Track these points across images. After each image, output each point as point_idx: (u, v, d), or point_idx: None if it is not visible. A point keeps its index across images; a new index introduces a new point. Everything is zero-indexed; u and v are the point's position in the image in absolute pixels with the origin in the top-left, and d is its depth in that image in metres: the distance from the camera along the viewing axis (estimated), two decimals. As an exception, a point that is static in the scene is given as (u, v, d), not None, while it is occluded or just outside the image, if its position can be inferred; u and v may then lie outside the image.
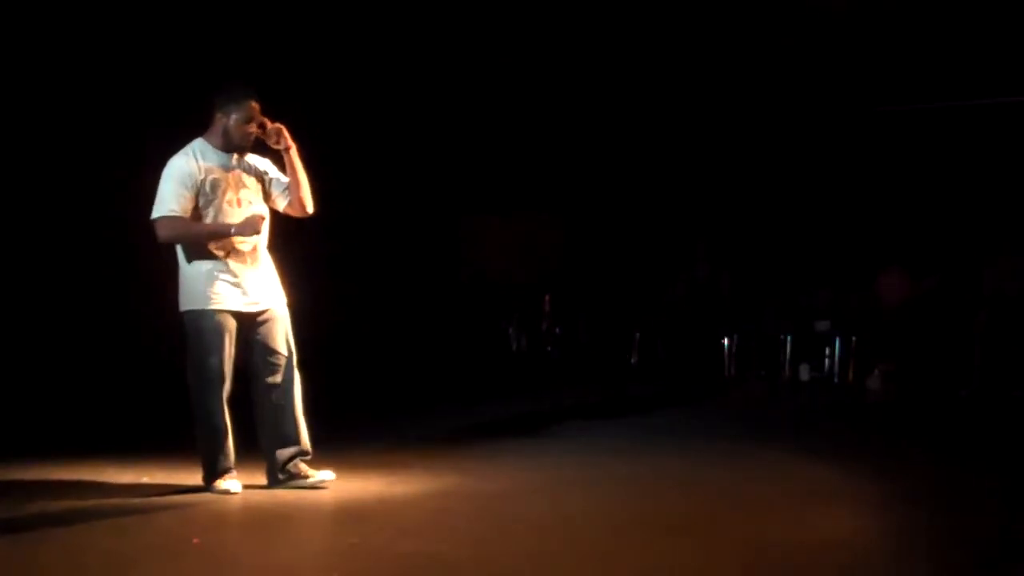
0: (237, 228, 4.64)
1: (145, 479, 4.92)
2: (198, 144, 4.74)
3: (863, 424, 8.46)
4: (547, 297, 12.91)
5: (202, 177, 4.64)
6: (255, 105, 4.73)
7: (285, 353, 4.79)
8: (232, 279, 4.66)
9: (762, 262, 12.50)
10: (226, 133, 4.72)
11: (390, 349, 11.11)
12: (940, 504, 4.71)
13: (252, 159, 4.87)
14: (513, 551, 3.75)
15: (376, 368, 10.50)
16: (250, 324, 4.73)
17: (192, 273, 4.66)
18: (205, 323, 4.63)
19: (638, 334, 12.70)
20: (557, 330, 12.92)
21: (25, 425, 6.61)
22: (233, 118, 4.70)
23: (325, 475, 4.77)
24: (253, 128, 4.73)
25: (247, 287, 4.70)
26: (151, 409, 7.29)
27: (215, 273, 4.64)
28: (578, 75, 11.37)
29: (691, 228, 12.55)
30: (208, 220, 4.65)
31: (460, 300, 12.66)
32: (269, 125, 4.74)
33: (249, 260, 4.72)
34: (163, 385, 7.71)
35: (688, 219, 12.91)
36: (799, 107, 11.93)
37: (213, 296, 4.64)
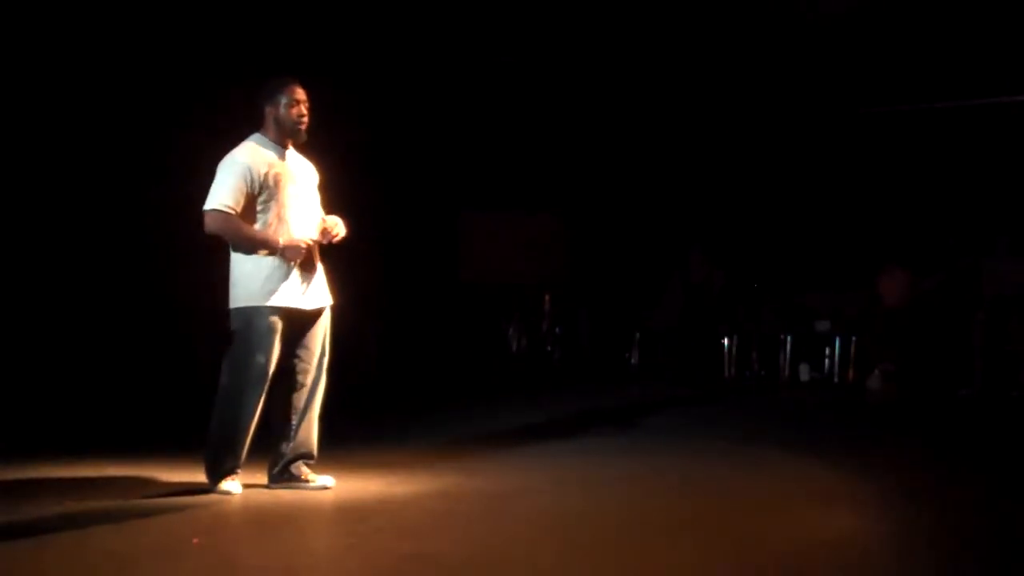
0: (284, 249, 4.60)
1: (145, 479, 4.91)
2: (257, 138, 4.73)
3: (863, 424, 8.46)
4: (547, 297, 12.91)
5: (264, 171, 4.62)
6: (299, 87, 4.74)
7: (319, 354, 4.79)
8: (288, 276, 4.63)
9: (762, 262, 12.51)
10: (278, 122, 4.71)
11: (390, 349, 11.11)
12: (940, 504, 4.71)
13: (305, 162, 4.88)
14: (513, 551, 3.75)
15: (376, 368, 10.50)
16: (297, 322, 4.71)
17: (245, 270, 4.62)
18: (258, 321, 4.58)
19: (638, 334, 12.70)
20: (557, 330, 12.92)
21: (25, 425, 6.61)
22: (282, 104, 4.70)
23: (326, 480, 4.76)
24: (303, 110, 4.73)
25: (305, 285, 4.68)
26: (152, 409, 7.29)
27: (271, 270, 4.60)
28: (578, 75, 11.38)
29: (688, 230, 12.57)
30: (270, 214, 4.61)
31: (460, 300, 12.66)
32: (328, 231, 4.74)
33: (307, 257, 4.69)
34: (164, 385, 7.72)
35: (687, 219, 12.92)
36: (798, 108, 11.93)
37: (271, 293, 4.58)
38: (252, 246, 4.61)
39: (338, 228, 4.75)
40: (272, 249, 4.61)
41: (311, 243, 4.69)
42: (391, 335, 11.18)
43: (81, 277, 8.21)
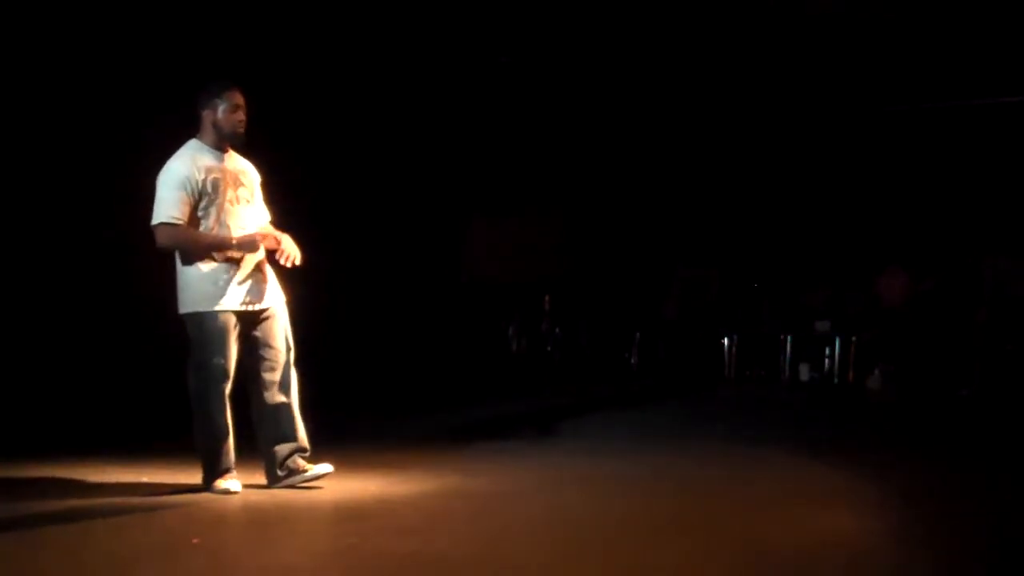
0: (238, 242, 4.63)
1: (145, 479, 4.92)
2: (193, 145, 4.74)
3: (863, 424, 8.46)
4: (547, 297, 12.92)
5: (202, 177, 4.63)
6: (238, 92, 4.74)
7: (283, 350, 4.79)
8: (232, 280, 4.65)
9: (762, 263, 12.52)
10: (216, 127, 4.71)
11: (390, 349, 11.11)
12: (940, 504, 4.71)
13: (244, 163, 4.88)
14: (513, 551, 3.75)
15: (376, 368, 10.50)
16: (250, 323, 4.73)
17: (192, 275, 4.65)
18: (208, 324, 4.62)
19: (638, 334, 12.71)
20: (557, 330, 12.93)
21: (25, 425, 6.61)
22: (220, 109, 4.70)
23: (323, 468, 4.77)
24: (241, 115, 4.73)
25: (247, 287, 4.69)
26: (151, 409, 7.29)
27: (215, 274, 4.63)
28: (578, 76, 11.38)
29: (675, 241, 12.64)
30: (210, 220, 4.63)
31: (460, 300, 12.66)
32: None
33: (248, 260, 4.72)
34: (163, 385, 7.72)
35: (687, 219, 12.94)
36: (799, 108, 11.93)
37: (214, 297, 4.63)
38: (206, 251, 4.63)
39: (294, 257, 4.73)
40: (227, 247, 4.63)
41: (264, 236, 4.69)
42: (392, 335, 11.18)
43: (80, 278, 8.21)
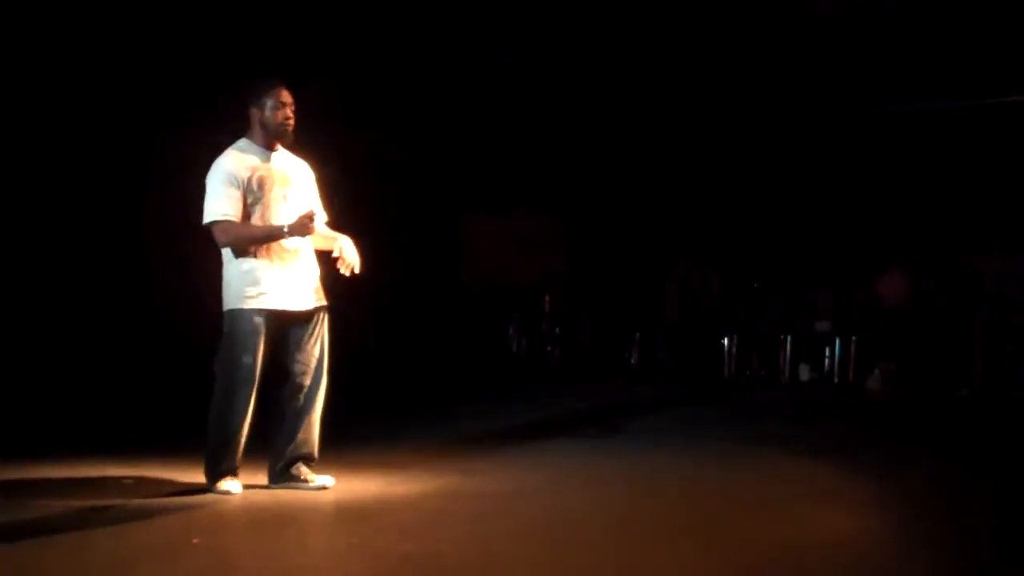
0: (290, 228, 4.62)
1: (145, 479, 4.92)
2: (242, 143, 4.75)
3: (863, 424, 8.45)
4: (547, 297, 12.91)
5: (248, 175, 4.64)
6: (284, 90, 4.75)
7: (317, 355, 4.79)
8: (275, 278, 4.64)
9: (762, 262, 12.51)
10: (264, 125, 4.73)
11: (391, 350, 11.11)
12: (940, 504, 4.71)
13: (296, 161, 4.88)
14: (513, 551, 3.75)
15: (377, 369, 10.50)
16: (290, 323, 4.71)
17: (235, 272, 4.64)
18: (243, 323, 4.60)
19: (638, 334, 12.70)
20: (557, 330, 12.92)
21: (25, 425, 6.61)
22: (267, 106, 4.71)
23: (325, 480, 4.77)
24: (288, 112, 4.73)
25: (290, 286, 4.68)
26: (152, 409, 7.29)
27: (258, 272, 4.62)
28: (578, 75, 11.37)
29: (685, 232, 12.61)
30: (255, 217, 4.64)
31: (460, 301, 12.66)
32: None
33: (293, 259, 4.70)
34: (165, 385, 7.73)
35: (688, 220, 12.94)
36: (799, 108, 11.93)
37: (254, 296, 4.61)
38: (261, 241, 4.63)
39: (354, 264, 4.71)
40: (279, 235, 4.62)
41: (313, 215, 4.66)
42: (392, 336, 11.18)
43: (80, 278, 8.22)
